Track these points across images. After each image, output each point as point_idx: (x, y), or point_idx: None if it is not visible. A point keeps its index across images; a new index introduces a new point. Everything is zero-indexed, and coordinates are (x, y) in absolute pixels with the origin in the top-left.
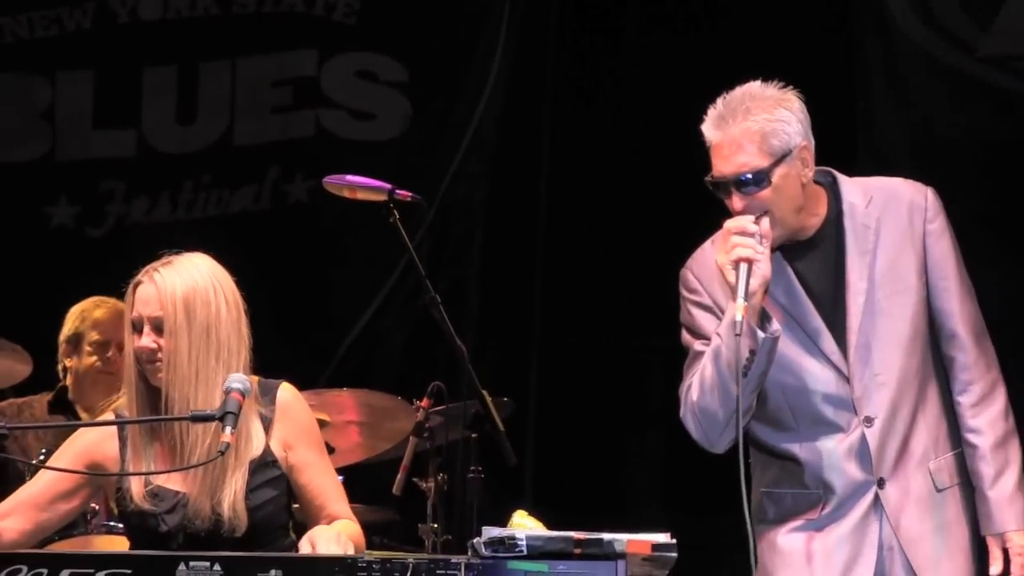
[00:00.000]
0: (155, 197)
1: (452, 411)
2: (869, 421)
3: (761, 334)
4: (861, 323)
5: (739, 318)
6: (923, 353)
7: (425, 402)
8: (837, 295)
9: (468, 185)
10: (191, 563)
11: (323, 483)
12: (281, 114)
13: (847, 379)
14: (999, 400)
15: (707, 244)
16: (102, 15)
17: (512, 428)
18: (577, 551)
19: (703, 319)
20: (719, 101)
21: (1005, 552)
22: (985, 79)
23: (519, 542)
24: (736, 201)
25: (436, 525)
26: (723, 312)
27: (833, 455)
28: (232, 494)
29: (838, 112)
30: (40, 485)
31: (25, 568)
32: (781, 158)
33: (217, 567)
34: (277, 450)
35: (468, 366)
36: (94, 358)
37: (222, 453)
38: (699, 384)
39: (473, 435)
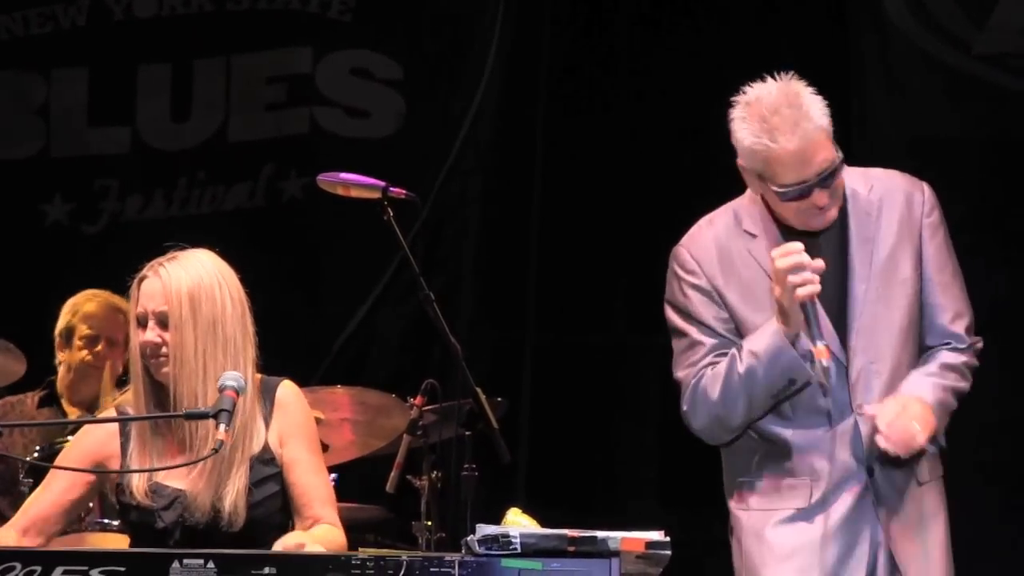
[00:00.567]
0: (149, 194)
1: (446, 409)
2: (862, 409)
3: (821, 372)
4: (862, 310)
5: (825, 364)
6: (914, 345)
7: (419, 400)
8: (839, 281)
9: (462, 182)
10: (185, 560)
11: (310, 483)
12: (276, 111)
13: (844, 366)
14: (969, 363)
15: (703, 222)
16: (97, 12)
17: (505, 425)
18: (571, 549)
19: (700, 303)
20: (766, 115)
21: None
22: (981, 76)
23: (513, 540)
24: (821, 197)
25: (430, 523)
26: (722, 297)
27: (824, 442)
28: (235, 490)
29: (834, 110)
30: (51, 498)
31: (19, 566)
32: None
33: (211, 564)
34: (274, 446)
35: (463, 364)
36: (84, 352)
37: (216, 451)
38: (722, 392)
39: (467, 433)
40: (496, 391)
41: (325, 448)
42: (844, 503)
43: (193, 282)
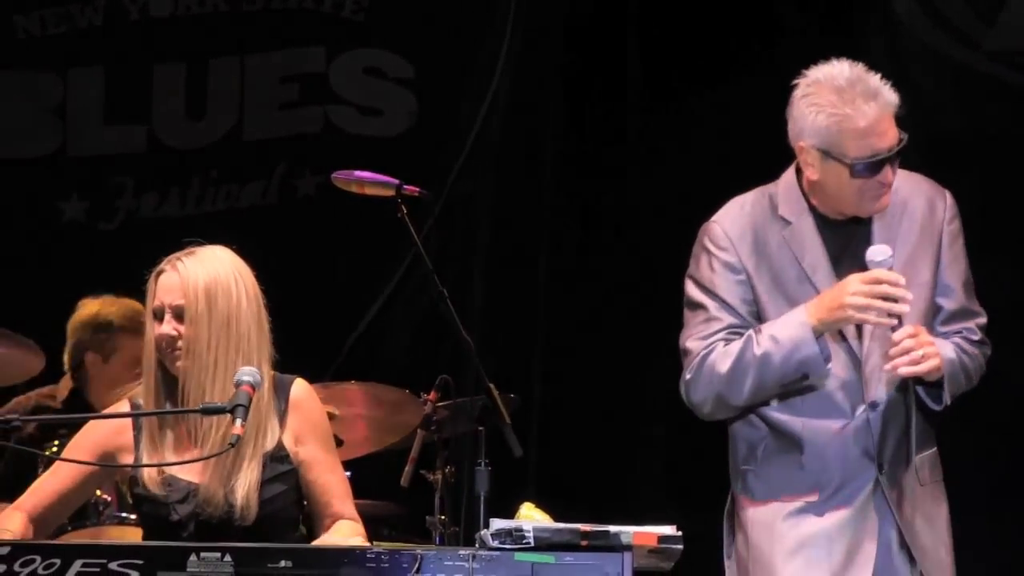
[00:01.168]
0: (165, 192)
1: (459, 404)
2: (874, 406)
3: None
4: None
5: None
6: None
7: (433, 395)
8: None
9: (474, 180)
10: (202, 554)
11: (329, 480)
12: (289, 110)
13: (860, 362)
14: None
15: (735, 202)
16: (113, 12)
17: (517, 420)
18: (584, 543)
19: (725, 279)
20: (844, 86)
21: None
22: (991, 74)
23: (526, 534)
24: (889, 174)
25: (444, 517)
26: (750, 280)
27: (836, 437)
28: (247, 484)
29: None
30: (58, 479)
31: (39, 559)
32: None
33: (228, 558)
34: (289, 444)
35: (476, 360)
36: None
37: (232, 445)
38: (732, 369)
39: (480, 428)
40: (507, 385)
41: (339, 443)
42: (854, 498)
43: (210, 277)
